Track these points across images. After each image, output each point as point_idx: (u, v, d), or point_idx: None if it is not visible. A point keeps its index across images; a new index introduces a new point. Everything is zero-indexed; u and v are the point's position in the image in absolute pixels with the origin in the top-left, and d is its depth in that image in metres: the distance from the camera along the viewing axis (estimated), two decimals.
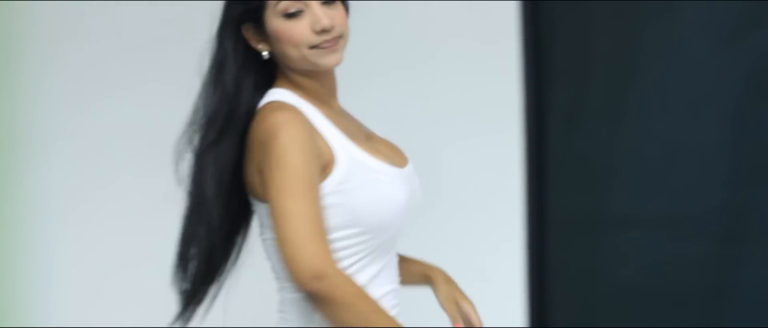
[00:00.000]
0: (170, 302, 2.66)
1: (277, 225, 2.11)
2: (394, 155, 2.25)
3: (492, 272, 2.13)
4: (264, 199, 2.13)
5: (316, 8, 2.10)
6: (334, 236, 2.11)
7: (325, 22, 2.06)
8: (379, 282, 2.14)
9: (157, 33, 3.06)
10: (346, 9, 2.19)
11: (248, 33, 2.17)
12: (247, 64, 2.22)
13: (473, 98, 2.42)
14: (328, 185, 2.14)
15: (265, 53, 2.04)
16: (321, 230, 2.04)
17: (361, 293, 2.10)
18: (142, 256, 3.14)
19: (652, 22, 1.17)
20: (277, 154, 2.13)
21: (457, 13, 2.53)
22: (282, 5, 2.08)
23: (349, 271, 2.13)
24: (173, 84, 2.65)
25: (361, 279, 2.13)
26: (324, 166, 2.08)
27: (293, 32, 2.08)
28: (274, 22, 2.09)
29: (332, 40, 2.09)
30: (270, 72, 2.24)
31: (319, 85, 2.16)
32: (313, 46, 2.10)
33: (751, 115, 1.13)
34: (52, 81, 3.26)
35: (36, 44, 3.00)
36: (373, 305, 2.10)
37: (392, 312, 2.16)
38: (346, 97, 2.15)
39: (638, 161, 1.20)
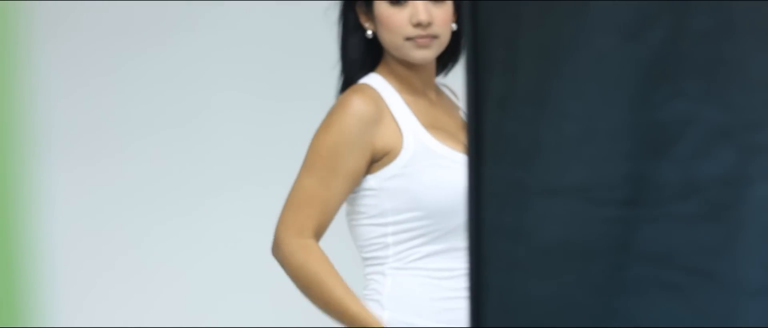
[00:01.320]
0: (181, 299, 2.73)
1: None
2: None
3: None
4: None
5: (420, 2, 2.20)
6: (391, 218, 2.25)
7: (422, 16, 2.18)
8: (441, 259, 2.24)
9: (164, 27, 3.06)
10: (458, 9, 2.24)
11: (360, 9, 2.27)
12: (356, 41, 2.30)
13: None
14: (393, 169, 2.28)
15: (369, 32, 2.17)
16: (310, 207, 2.18)
17: (305, 265, 2.19)
18: (151, 253, 3.17)
19: (568, 22, 1.32)
20: (321, 128, 2.25)
21: None
22: None
23: (410, 252, 2.25)
24: (182, 78, 2.74)
25: (412, 256, 2.24)
26: (388, 151, 2.19)
27: (393, 19, 2.21)
28: (381, 5, 2.21)
29: (427, 36, 2.20)
30: (380, 53, 2.30)
31: (413, 74, 2.28)
32: (408, 38, 2.22)
33: (648, 100, 1.30)
34: (59, 77, 3.27)
35: (41, 40, 3.01)
36: (316, 277, 2.20)
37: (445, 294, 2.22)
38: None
39: (558, 139, 1.35)
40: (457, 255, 2.26)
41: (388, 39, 2.24)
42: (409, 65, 2.28)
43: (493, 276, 1.41)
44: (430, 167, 2.19)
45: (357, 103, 2.21)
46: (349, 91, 2.26)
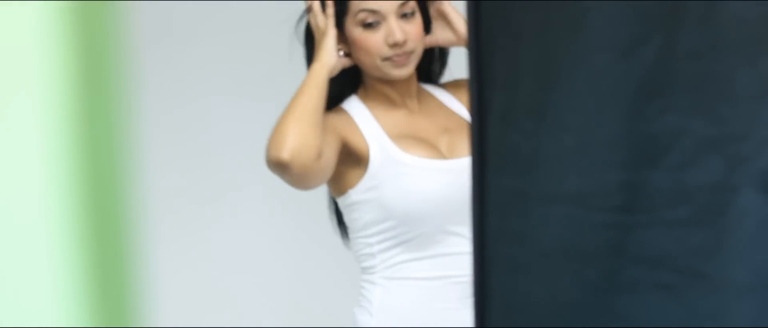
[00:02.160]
0: (276, 300, 2.74)
1: None
2: (460, 147, 2.32)
3: None
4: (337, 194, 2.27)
5: (393, 22, 2.25)
6: (372, 230, 2.31)
7: (398, 36, 2.23)
8: (423, 265, 2.28)
9: (259, 33, 3.05)
10: (426, 23, 2.29)
11: None
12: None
13: None
14: (366, 182, 2.34)
15: (340, 53, 2.21)
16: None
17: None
18: (245, 255, 3.18)
19: (566, 40, 1.39)
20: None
21: None
22: (361, 15, 2.25)
23: (394, 261, 2.30)
24: (276, 84, 2.74)
25: (396, 264, 2.29)
26: (358, 156, 2.22)
27: (369, 42, 2.25)
28: (353, 29, 2.26)
29: (404, 54, 2.25)
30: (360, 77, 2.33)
31: (391, 89, 2.32)
32: (386, 58, 2.26)
33: (641, 113, 1.37)
34: (156, 81, 3.29)
35: (138, 44, 3.04)
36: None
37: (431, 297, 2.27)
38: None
39: (557, 150, 1.41)
40: (440, 261, 2.30)
41: (365, 61, 2.27)
42: (387, 81, 2.32)
43: (496, 279, 1.49)
44: (395, 177, 2.23)
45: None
46: None
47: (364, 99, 2.31)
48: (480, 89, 1.48)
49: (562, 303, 1.45)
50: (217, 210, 3.41)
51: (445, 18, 2.36)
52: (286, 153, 2.12)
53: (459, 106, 2.41)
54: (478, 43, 1.47)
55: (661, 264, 1.38)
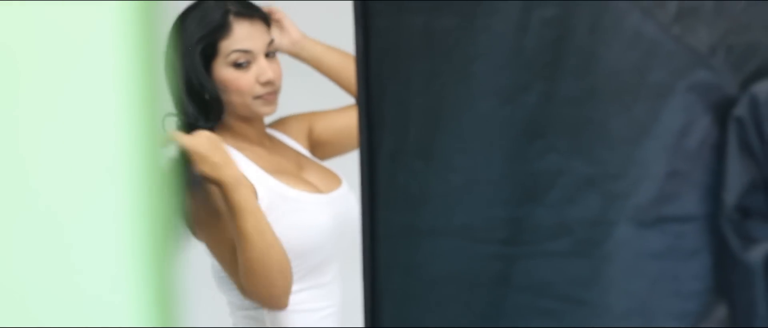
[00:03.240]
0: None
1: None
2: (325, 180, 2.37)
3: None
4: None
5: (262, 61, 2.26)
6: None
7: (270, 74, 2.25)
8: (307, 296, 2.31)
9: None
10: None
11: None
12: (196, 98, 2.28)
13: None
14: None
15: (207, 96, 2.17)
16: None
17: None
18: None
19: (454, 85, 1.46)
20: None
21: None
22: (233, 56, 2.25)
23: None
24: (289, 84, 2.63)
25: (296, 297, 2.30)
26: None
27: (241, 82, 2.25)
28: (223, 70, 2.25)
29: (273, 92, 2.26)
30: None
31: (249, 127, 2.33)
32: (257, 97, 2.27)
33: (523, 154, 1.47)
34: None
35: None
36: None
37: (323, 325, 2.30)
38: None
39: (445, 188, 1.51)
40: (320, 292, 2.34)
41: (236, 101, 2.26)
42: (245, 119, 2.33)
43: (387, 308, 1.58)
44: (287, 213, 2.23)
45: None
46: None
47: (228, 139, 2.29)
48: (369, 130, 1.56)
49: None
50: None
51: (279, 26, 2.41)
52: (284, 301, 2.17)
53: (295, 143, 2.45)
54: (367, 87, 1.56)
55: (544, 292, 1.50)
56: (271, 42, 2.30)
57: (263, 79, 2.27)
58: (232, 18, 2.25)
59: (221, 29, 2.24)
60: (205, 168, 2.13)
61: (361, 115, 1.57)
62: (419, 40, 1.52)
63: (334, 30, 2.47)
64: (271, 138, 2.41)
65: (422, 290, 1.56)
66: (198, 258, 2.34)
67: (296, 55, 2.44)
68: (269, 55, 2.30)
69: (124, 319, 1.24)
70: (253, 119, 2.35)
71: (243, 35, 2.26)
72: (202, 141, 2.16)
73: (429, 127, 1.52)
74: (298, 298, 2.29)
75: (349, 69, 2.41)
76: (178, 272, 1.29)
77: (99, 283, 1.24)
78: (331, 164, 2.50)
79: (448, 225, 1.53)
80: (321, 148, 2.47)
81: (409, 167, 1.54)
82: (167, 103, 1.17)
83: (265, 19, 2.30)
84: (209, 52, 2.25)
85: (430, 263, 1.55)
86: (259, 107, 2.30)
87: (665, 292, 1.46)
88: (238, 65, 2.26)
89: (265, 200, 2.24)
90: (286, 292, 2.17)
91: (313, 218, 2.27)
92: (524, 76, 1.47)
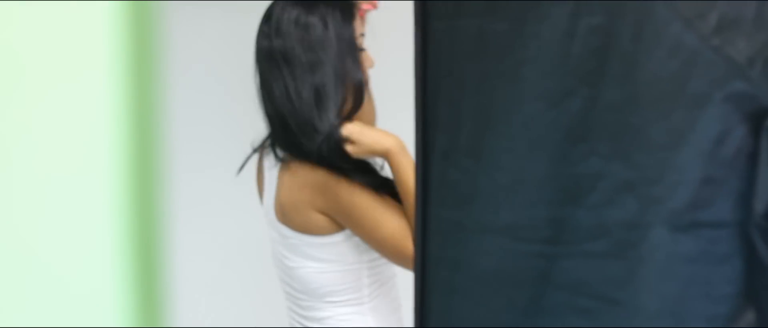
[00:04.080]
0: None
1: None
2: None
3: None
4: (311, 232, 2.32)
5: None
6: (368, 256, 2.39)
7: (373, 59, 2.30)
8: (391, 290, 2.41)
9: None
10: None
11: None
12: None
13: None
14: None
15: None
16: (405, 230, 2.26)
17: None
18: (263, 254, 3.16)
19: (503, 89, 1.51)
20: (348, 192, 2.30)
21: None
22: (360, 39, 2.31)
23: (379, 288, 2.40)
24: None
25: (381, 291, 2.40)
26: None
27: (365, 64, 2.33)
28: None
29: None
30: None
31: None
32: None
33: (566, 157, 1.52)
34: (184, 79, 3.29)
35: (174, 40, 3.06)
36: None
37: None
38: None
39: (492, 187, 1.57)
40: (393, 283, 2.44)
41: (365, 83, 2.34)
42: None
43: (435, 301, 1.64)
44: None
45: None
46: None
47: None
48: (424, 130, 1.63)
49: (494, 324, 1.60)
50: (239, 207, 3.42)
51: None
52: None
53: None
54: (424, 89, 1.62)
55: (581, 291, 1.54)
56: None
57: (371, 63, 2.33)
58: (352, 2, 2.30)
59: (353, 17, 2.28)
60: (367, 148, 2.21)
61: (417, 115, 1.64)
62: (473, 43, 1.57)
63: (395, 30, 2.49)
64: None
65: (468, 286, 1.61)
66: (197, 258, 2.36)
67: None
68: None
69: (110, 318, 1.23)
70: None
71: (357, 19, 2.31)
72: (355, 129, 2.24)
73: (479, 128, 1.58)
74: (389, 292, 2.37)
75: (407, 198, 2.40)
76: (166, 272, 1.30)
77: (86, 282, 1.23)
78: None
79: (494, 223, 1.58)
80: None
81: (459, 166, 1.60)
82: (157, 102, 1.17)
83: None
84: (349, 34, 2.29)
85: (476, 259, 1.60)
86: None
87: (697, 294, 1.50)
88: (360, 50, 2.32)
89: None
90: None
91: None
92: (570, 82, 1.51)
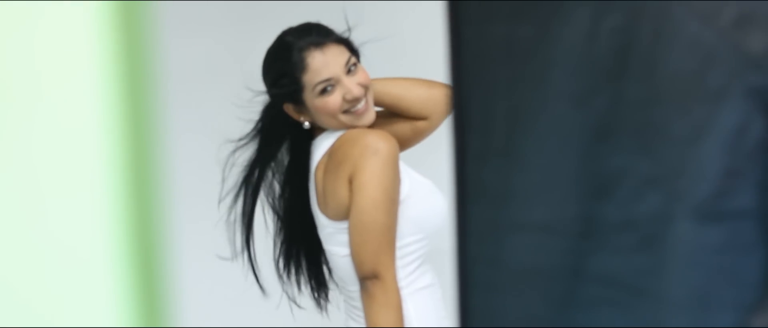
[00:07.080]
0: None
1: (360, 228, 2.34)
2: None
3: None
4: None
5: (345, 81, 2.42)
6: (401, 243, 2.47)
7: (356, 92, 2.41)
8: (429, 276, 2.48)
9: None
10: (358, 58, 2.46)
11: (290, 110, 2.48)
12: (283, 130, 2.47)
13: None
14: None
15: (306, 124, 2.38)
16: (391, 242, 2.35)
17: (401, 301, 2.38)
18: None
19: (532, 91, 1.57)
20: (375, 165, 2.39)
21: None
22: (318, 87, 2.42)
23: (415, 273, 2.49)
24: None
25: (421, 275, 2.47)
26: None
27: (329, 106, 2.42)
28: (313, 100, 2.42)
29: (363, 103, 2.41)
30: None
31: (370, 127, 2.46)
32: (345, 111, 2.43)
33: (593, 154, 1.58)
34: (178, 75, 3.38)
35: (165, 37, 3.13)
36: (407, 314, 2.40)
37: (439, 302, 2.46)
38: None
39: (524, 185, 1.62)
40: (431, 270, 2.51)
41: (330, 122, 2.43)
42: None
43: (475, 297, 1.70)
44: (424, 196, 2.40)
45: (391, 139, 2.40)
46: (374, 133, 2.41)
47: None
48: (460, 133, 1.69)
49: (531, 318, 1.66)
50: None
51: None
52: None
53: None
54: (459, 94, 1.69)
55: (611, 283, 1.59)
56: (349, 59, 2.41)
57: (350, 97, 2.41)
58: (304, 54, 2.37)
59: (298, 69, 2.36)
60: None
61: (454, 119, 1.70)
62: (502, 47, 1.63)
63: (425, 34, 2.54)
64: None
65: (505, 281, 1.67)
66: (197, 259, 2.40)
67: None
68: (351, 70, 2.42)
69: (109, 319, 1.25)
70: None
71: (318, 66, 2.37)
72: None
73: (510, 129, 1.64)
74: (428, 277, 2.43)
75: (409, 94, 2.47)
76: (165, 272, 1.33)
77: (84, 282, 1.25)
78: (423, 163, 2.63)
79: (528, 221, 1.64)
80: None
81: (493, 166, 1.66)
82: (148, 103, 1.19)
83: (339, 39, 2.41)
84: (296, 88, 2.38)
85: (512, 256, 1.66)
86: (354, 121, 2.44)
87: (722, 283, 1.54)
88: (323, 92, 2.39)
89: (406, 185, 2.38)
90: None
91: (442, 202, 2.42)
92: (594, 82, 1.57)
